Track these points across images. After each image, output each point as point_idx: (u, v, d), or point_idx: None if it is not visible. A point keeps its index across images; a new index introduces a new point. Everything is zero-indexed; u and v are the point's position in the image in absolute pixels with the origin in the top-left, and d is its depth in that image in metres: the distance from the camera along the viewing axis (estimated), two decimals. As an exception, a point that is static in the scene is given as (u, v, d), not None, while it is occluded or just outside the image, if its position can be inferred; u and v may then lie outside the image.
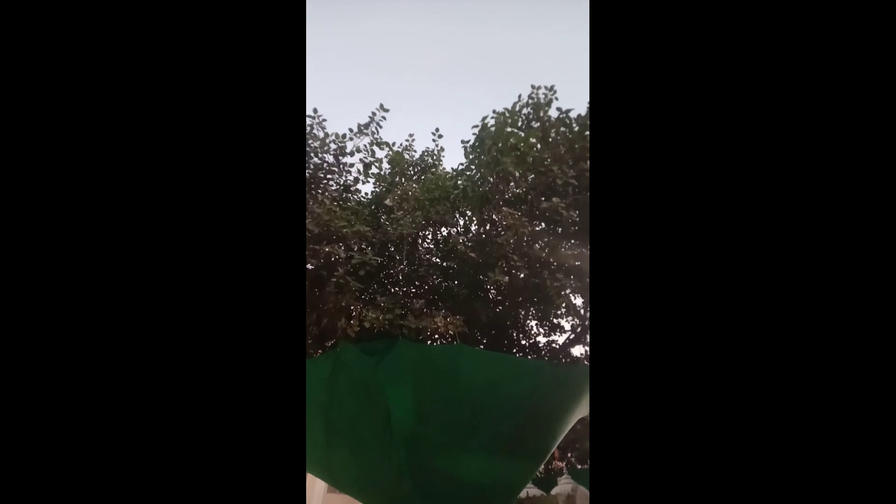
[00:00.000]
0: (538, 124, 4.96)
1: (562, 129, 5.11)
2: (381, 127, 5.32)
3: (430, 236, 6.09)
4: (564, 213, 4.61)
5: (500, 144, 4.68)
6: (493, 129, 4.75)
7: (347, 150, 5.48)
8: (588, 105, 4.88)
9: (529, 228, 4.74)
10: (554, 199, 4.67)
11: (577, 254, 5.42)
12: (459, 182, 5.55)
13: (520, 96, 5.28)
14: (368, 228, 5.04)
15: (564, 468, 8.85)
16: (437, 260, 5.71)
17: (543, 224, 5.47)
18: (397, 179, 6.29)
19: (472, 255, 4.69)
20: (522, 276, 4.93)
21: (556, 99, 5.55)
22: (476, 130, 4.97)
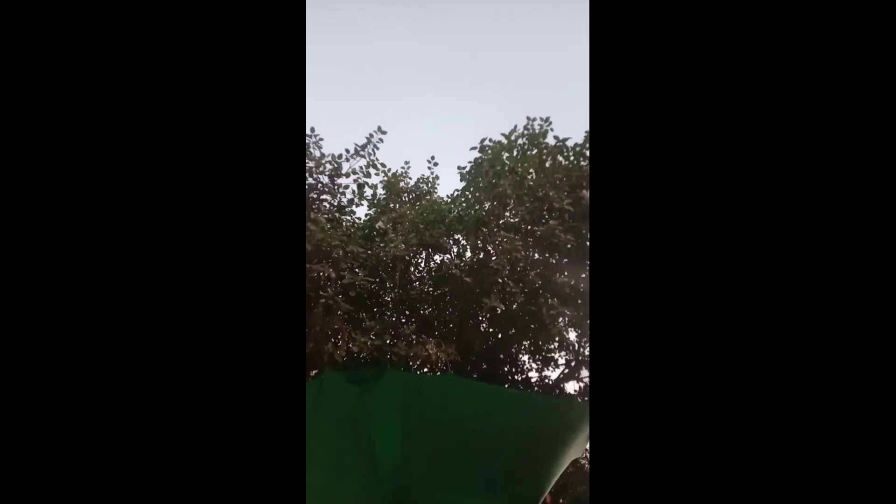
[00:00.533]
0: (535, 151, 4.98)
1: (559, 157, 5.13)
2: (377, 149, 5.30)
3: (423, 263, 5.97)
4: (562, 236, 4.54)
5: (497, 168, 4.66)
6: (490, 151, 4.75)
7: (343, 171, 5.42)
8: (586, 132, 4.93)
9: (525, 253, 4.65)
10: (551, 222, 4.61)
11: (572, 283, 5.32)
12: (454, 206, 5.50)
13: (515, 126, 5.34)
14: (362, 249, 4.91)
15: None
16: (430, 289, 5.56)
17: (538, 255, 5.39)
18: (391, 206, 6.23)
19: (468, 279, 4.56)
20: (517, 304, 4.79)
21: (552, 129, 5.63)
22: (474, 153, 4.96)
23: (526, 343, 6.41)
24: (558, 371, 6.86)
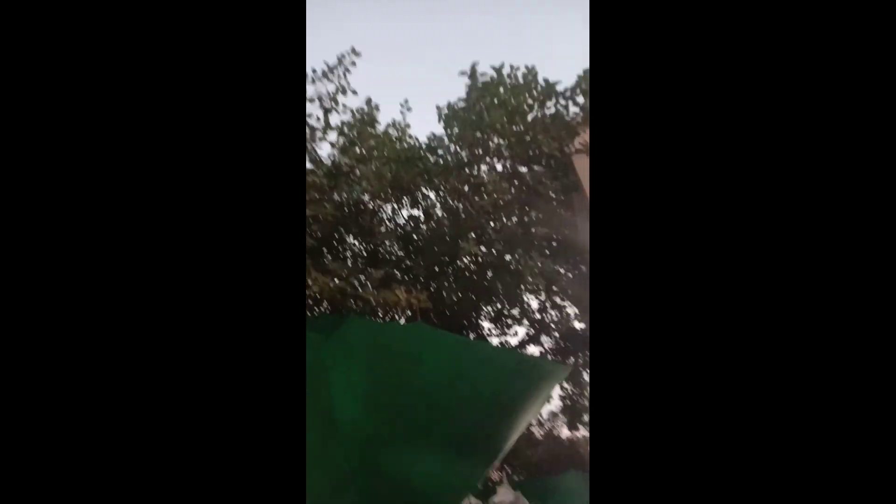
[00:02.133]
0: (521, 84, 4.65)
1: (548, 103, 4.85)
2: (349, 72, 4.72)
3: (394, 208, 5.53)
4: (548, 183, 4.29)
5: (487, 100, 4.30)
6: (480, 80, 4.37)
7: (307, 97, 4.80)
8: (578, 75, 4.67)
9: (509, 197, 4.36)
10: (536, 167, 4.35)
11: (552, 235, 5.13)
12: (434, 146, 5.08)
13: (503, 62, 4.99)
14: (327, 180, 4.39)
15: (504, 478, 8.51)
16: (401, 234, 5.15)
17: (519, 205, 5.15)
18: (358, 148, 5.70)
19: (446, 221, 4.19)
20: (494, 251, 4.52)
21: (536, 80, 5.35)
22: (464, 79, 4.54)
23: (488, 308, 6.22)
24: (519, 336, 6.78)
